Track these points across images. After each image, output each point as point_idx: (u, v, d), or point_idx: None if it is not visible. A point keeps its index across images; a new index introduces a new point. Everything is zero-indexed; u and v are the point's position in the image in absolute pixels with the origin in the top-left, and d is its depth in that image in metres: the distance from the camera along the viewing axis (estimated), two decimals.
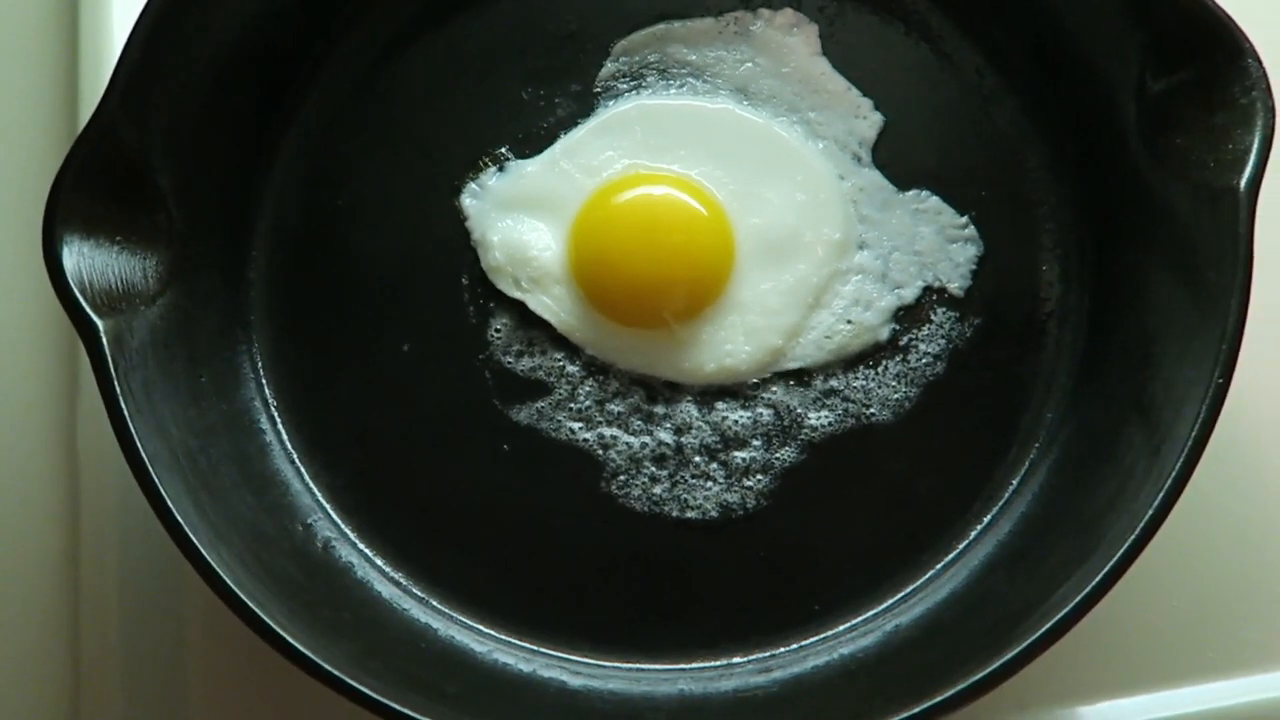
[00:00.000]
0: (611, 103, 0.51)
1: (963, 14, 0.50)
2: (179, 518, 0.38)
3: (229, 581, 0.38)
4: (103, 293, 0.41)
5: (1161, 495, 0.38)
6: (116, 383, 0.39)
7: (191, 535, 0.38)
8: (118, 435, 0.39)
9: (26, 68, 0.52)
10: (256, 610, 0.37)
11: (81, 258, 0.41)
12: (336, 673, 0.37)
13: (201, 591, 0.38)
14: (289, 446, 0.48)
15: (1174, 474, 0.38)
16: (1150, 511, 0.38)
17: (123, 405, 0.39)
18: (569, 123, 0.50)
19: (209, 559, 0.38)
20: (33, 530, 0.48)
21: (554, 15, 0.51)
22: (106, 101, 0.41)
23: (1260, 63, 0.41)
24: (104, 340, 0.39)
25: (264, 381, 0.49)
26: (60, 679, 0.47)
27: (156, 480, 0.38)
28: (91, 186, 0.41)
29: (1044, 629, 0.37)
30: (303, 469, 0.48)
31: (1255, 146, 0.40)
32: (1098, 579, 0.38)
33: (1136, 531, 0.37)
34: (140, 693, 0.47)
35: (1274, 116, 0.40)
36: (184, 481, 0.40)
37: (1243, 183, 0.40)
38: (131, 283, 0.43)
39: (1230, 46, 0.41)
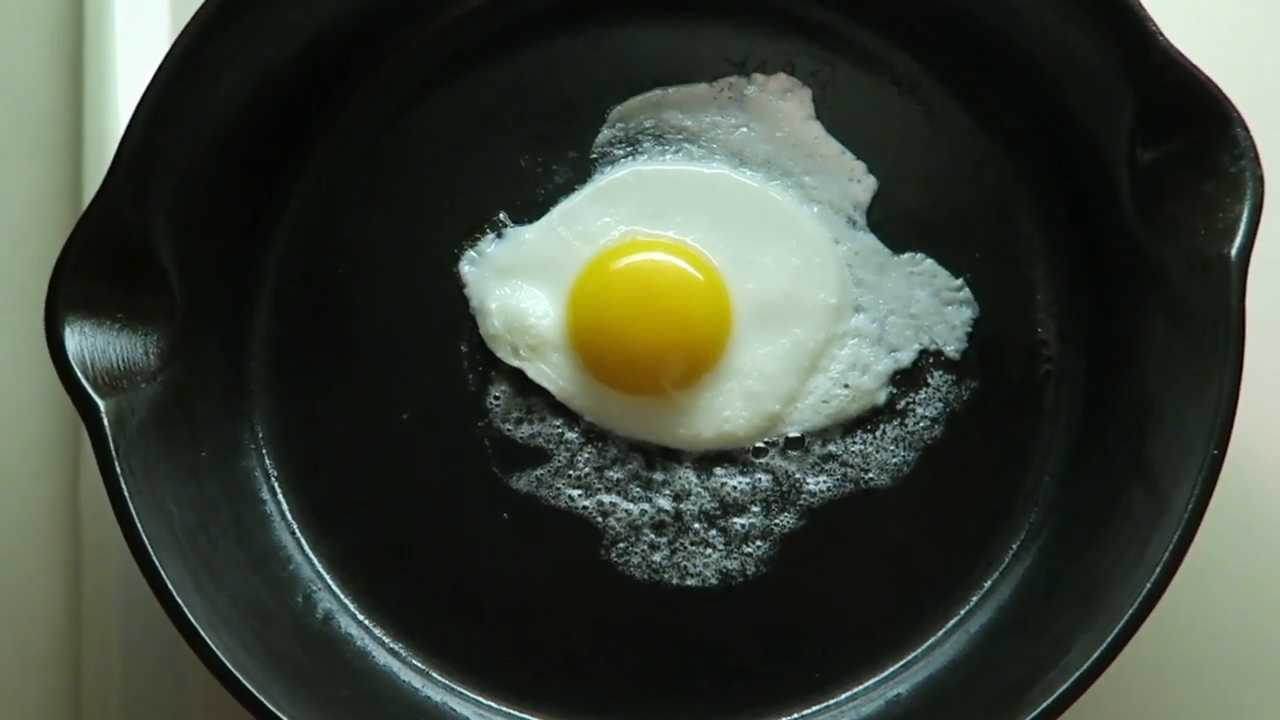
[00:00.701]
0: (608, 169, 0.51)
1: (955, 78, 0.51)
2: (179, 600, 0.38)
3: (229, 665, 0.38)
4: (104, 372, 0.41)
5: (1160, 567, 0.38)
6: (117, 463, 0.40)
7: (191, 618, 0.38)
8: (118, 517, 0.39)
9: (31, 148, 0.53)
10: (256, 694, 0.37)
11: (83, 338, 0.41)
12: None
13: (202, 673, 0.39)
14: (289, 517, 0.48)
15: (1172, 545, 0.38)
16: (1150, 583, 0.38)
17: (123, 486, 0.39)
18: (566, 189, 0.51)
19: (209, 642, 0.38)
20: (35, 608, 0.48)
21: (551, 82, 0.51)
22: (109, 183, 0.42)
23: (1248, 132, 0.41)
24: (105, 421, 0.40)
25: (264, 452, 0.49)
26: None
27: (157, 562, 0.39)
28: (93, 267, 0.42)
29: (1047, 702, 0.37)
30: (303, 539, 0.48)
31: (1245, 215, 0.40)
32: (1100, 651, 0.38)
33: (1137, 603, 0.37)
34: None
35: (1262, 185, 0.41)
36: (184, 561, 0.40)
37: (1234, 251, 0.40)
38: (133, 360, 0.43)
39: (1219, 116, 0.41)
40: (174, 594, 0.38)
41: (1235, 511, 0.47)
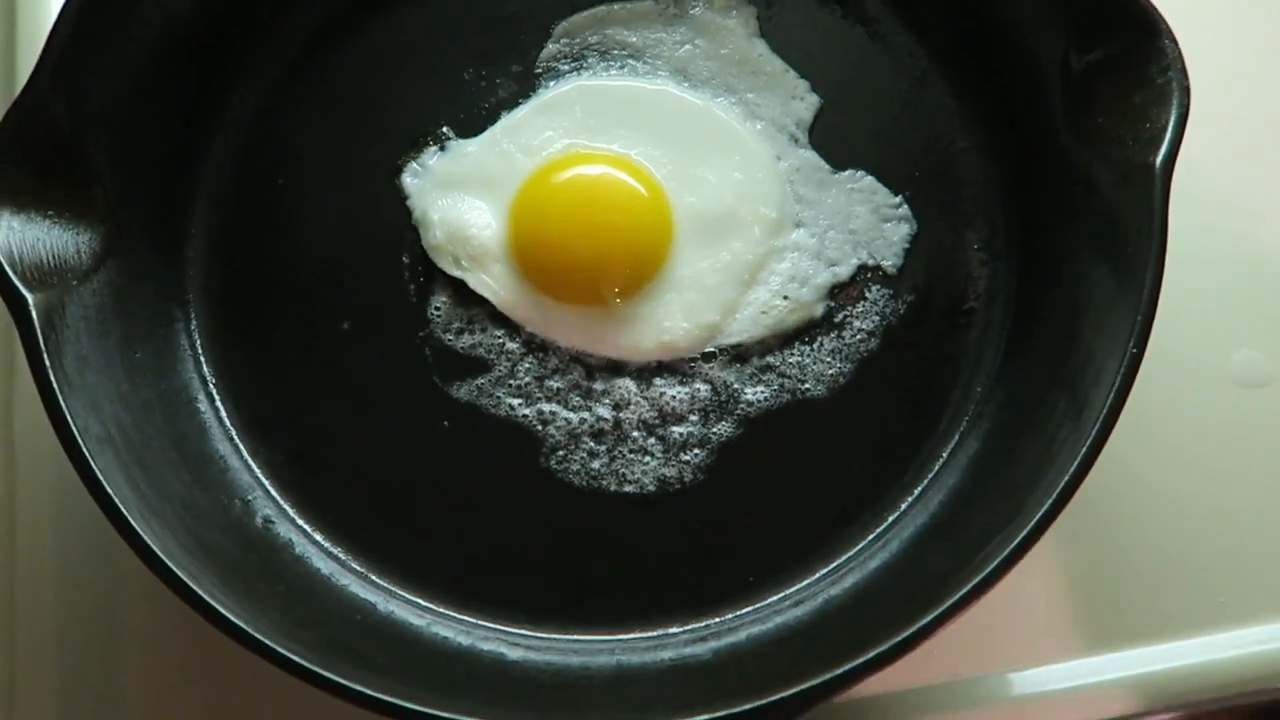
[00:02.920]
0: (552, 83, 0.51)
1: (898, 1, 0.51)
2: (109, 490, 0.38)
3: (160, 553, 0.38)
4: (33, 267, 0.41)
5: (1079, 459, 0.39)
6: (46, 357, 0.39)
7: (122, 508, 0.38)
8: (47, 409, 0.39)
9: None
10: (187, 581, 0.37)
11: (12, 231, 0.40)
12: (267, 641, 0.37)
13: (136, 566, 0.38)
14: (227, 424, 0.48)
15: (1091, 438, 0.39)
16: (1068, 475, 0.39)
17: (52, 379, 0.39)
18: (510, 103, 0.51)
19: (140, 531, 0.38)
20: None
21: None
22: (36, 77, 0.41)
23: (1175, 43, 0.42)
24: (34, 314, 0.39)
25: (202, 359, 0.49)
26: None
27: (87, 453, 0.38)
28: (22, 161, 0.41)
29: (961, 592, 0.38)
30: (241, 446, 0.48)
31: (1171, 124, 0.41)
32: (1015, 542, 0.39)
33: (1054, 495, 0.38)
34: (76, 666, 0.47)
35: (1188, 95, 0.42)
36: (116, 456, 0.40)
37: (1158, 160, 0.41)
38: (64, 258, 0.42)
39: (1147, 26, 0.42)
40: (103, 483, 0.38)
41: (1148, 423, 0.48)
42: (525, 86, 0.51)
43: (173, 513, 0.41)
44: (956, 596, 0.37)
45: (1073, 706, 0.50)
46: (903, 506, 0.47)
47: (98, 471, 0.38)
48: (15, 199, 0.41)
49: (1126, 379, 0.39)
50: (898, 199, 0.50)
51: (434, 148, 0.51)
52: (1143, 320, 0.39)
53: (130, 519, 0.38)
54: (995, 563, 0.38)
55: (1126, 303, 0.40)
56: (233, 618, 0.37)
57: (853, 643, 0.40)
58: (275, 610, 0.40)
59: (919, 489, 0.47)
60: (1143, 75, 0.42)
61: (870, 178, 0.50)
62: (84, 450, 0.38)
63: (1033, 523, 0.39)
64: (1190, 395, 0.50)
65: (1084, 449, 0.39)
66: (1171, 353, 0.48)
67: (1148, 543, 0.49)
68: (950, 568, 0.40)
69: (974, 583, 0.38)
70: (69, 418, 0.39)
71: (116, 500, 0.38)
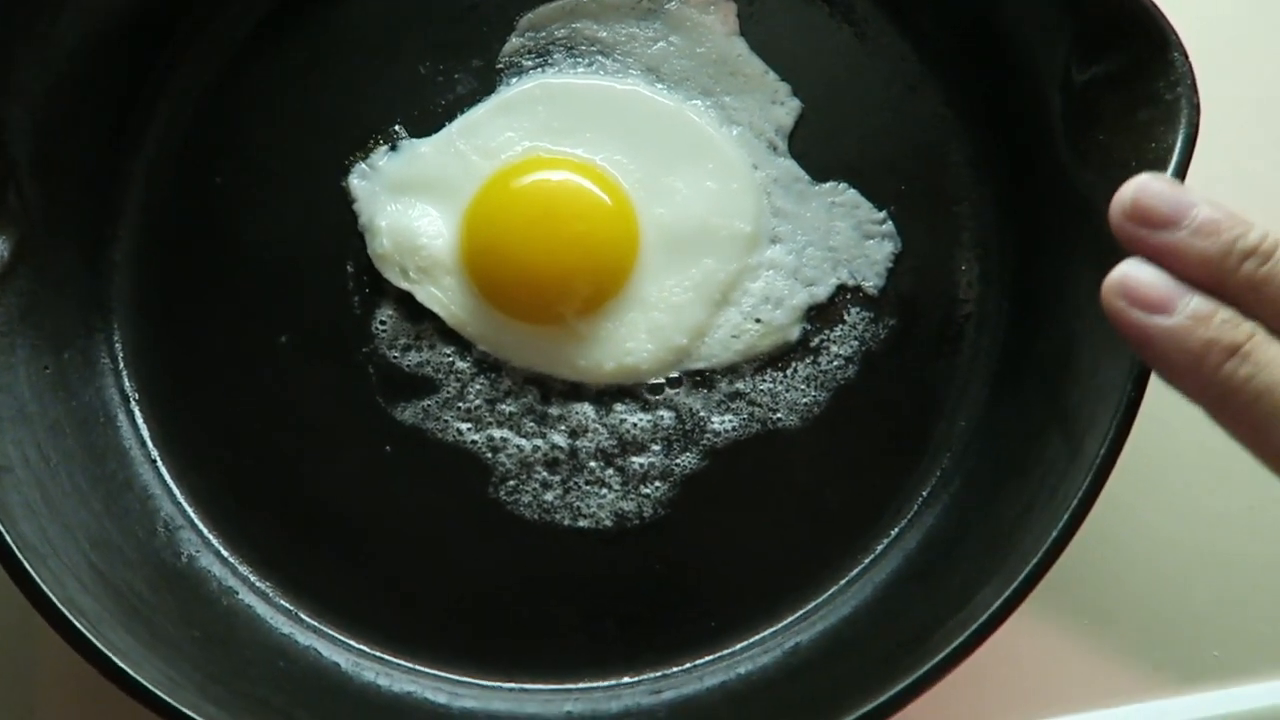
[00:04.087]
0: (514, 80, 0.48)
1: (889, 2, 0.48)
2: (1, 527, 0.34)
3: (52, 597, 0.34)
4: None
5: (1071, 510, 0.36)
6: None
7: (14, 547, 0.35)
8: None
9: None
10: (81, 629, 0.34)
11: None
12: (171, 701, 0.33)
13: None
14: (149, 445, 0.44)
15: (1084, 488, 0.36)
16: (1059, 527, 0.35)
17: None
18: (468, 100, 0.47)
19: (31, 571, 0.34)
20: None
21: None
22: None
23: (1186, 57, 0.39)
24: None
25: (124, 373, 0.45)
26: None
27: None
28: None
29: (947, 650, 0.35)
30: (163, 470, 0.44)
31: (1179, 144, 0.38)
32: (1004, 597, 0.36)
33: (1046, 545, 0.35)
34: None
35: (1198, 114, 0.38)
36: (15, 487, 0.37)
37: None
38: None
39: (1156, 38, 0.39)
40: None
41: (1148, 460, 0.45)
42: (486, 83, 0.48)
43: (76, 550, 0.38)
44: (941, 656, 0.34)
45: None
46: (878, 548, 0.44)
47: None
48: None
49: (1123, 424, 0.36)
50: (882, 214, 0.47)
51: (385, 147, 0.47)
52: (1142, 362, 0.36)
53: (23, 559, 0.34)
54: (984, 617, 0.35)
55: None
56: (133, 673, 0.34)
57: (823, 700, 0.37)
58: (186, 661, 0.37)
59: (897, 529, 0.44)
60: (1149, 91, 0.39)
61: (853, 191, 0.47)
62: None
63: (1022, 576, 0.36)
64: (1190, 433, 0.47)
65: (1076, 499, 0.36)
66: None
67: (1140, 590, 0.46)
68: (931, 621, 0.37)
69: (961, 639, 0.35)
70: None
71: (7, 537, 0.34)
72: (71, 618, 0.34)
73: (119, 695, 0.34)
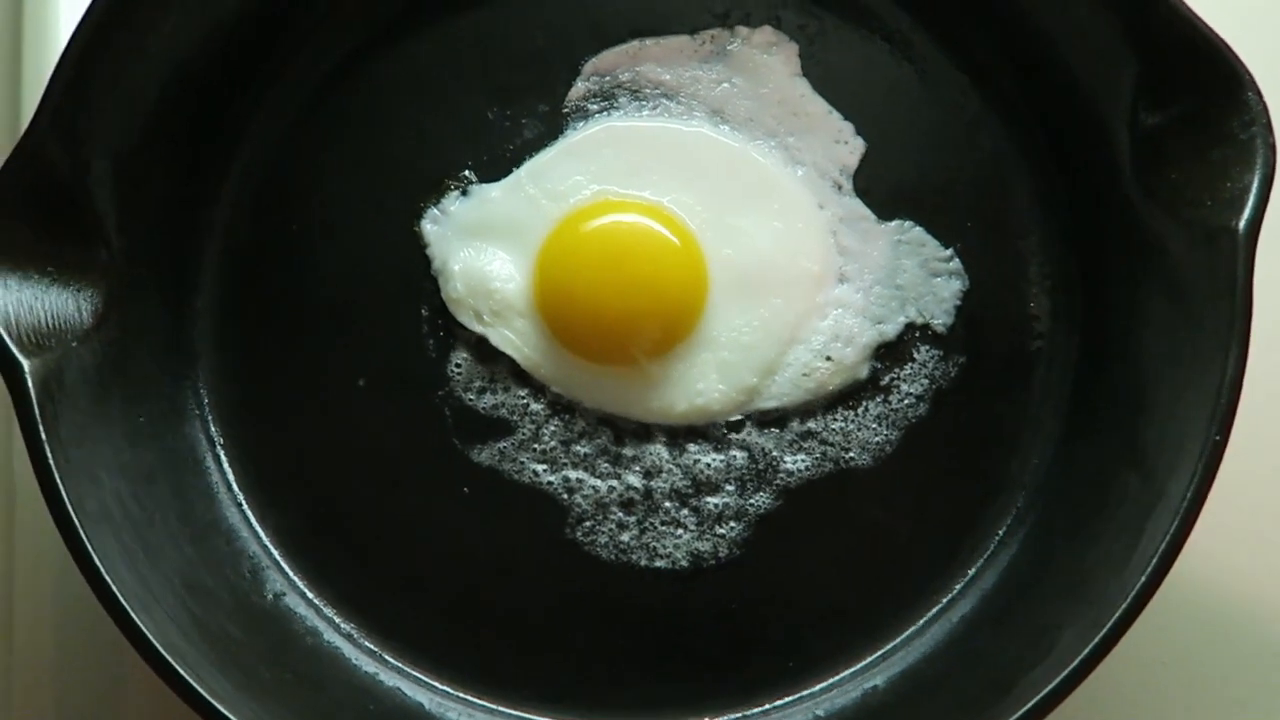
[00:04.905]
0: (581, 124, 0.48)
1: (949, 35, 0.48)
2: (106, 576, 0.36)
3: (159, 645, 0.35)
4: (30, 329, 0.38)
5: (1155, 560, 0.36)
6: (42, 428, 0.37)
7: (120, 595, 0.36)
8: (43, 487, 0.36)
9: None
10: (187, 677, 0.35)
11: (8, 292, 0.38)
12: None
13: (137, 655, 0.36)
14: (235, 488, 0.45)
15: (1168, 538, 0.36)
16: (1143, 578, 0.35)
17: (49, 455, 0.36)
18: (536, 145, 0.48)
19: (138, 621, 0.35)
20: None
21: (521, 31, 0.48)
22: (37, 124, 0.39)
23: (1261, 96, 0.39)
24: (29, 382, 0.37)
25: (209, 418, 0.46)
26: None
27: (84, 535, 0.36)
28: (22, 215, 0.39)
29: (1034, 700, 0.35)
30: (249, 512, 0.45)
31: (1255, 185, 0.38)
32: (1090, 648, 0.36)
33: (1129, 599, 0.35)
34: None
35: (1275, 154, 0.38)
36: (114, 534, 0.38)
37: (1241, 224, 0.38)
38: (64, 317, 0.40)
39: (1230, 79, 0.39)
40: (100, 569, 0.36)
41: (1236, 502, 0.45)
42: (552, 127, 0.48)
43: (174, 596, 0.38)
44: (1029, 705, 0.34)
45: None
46: (955, 589, 0.44)
47: (94, 555, 0.36)
48: (12, 257, 0.38)
49: (1208, 470, 0.36)
50: (948, 252, 0.47)
51: (455, 192, 0.48)
52: (1225, 404, 0.36)
53: (129, 608, 0.35)
54: (1069, 669, 0.35)
55: (1207, 383, 0.37)
56: (233, 715, 0.34)
57: None
58: (279, 704, 0.38)
59: (973, 569, 0.44)
60: (1223, 131, 0.39)
61: (919, 229, 0.47)
62: (81, 532, 0.36)
63: (1107, 626, 0.36)
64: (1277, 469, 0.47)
65: (1163, 544, 0.36)
66: (1259, 425, 0.44)
67: (1222, 635, 0.46)
68: (1012, 668, 0.37)
69: (1047, 690, 0.35)
70: (65, 496, 0.36)
71: (114, 588, 0.36)
72: (175, 664, 0.35)
73: None
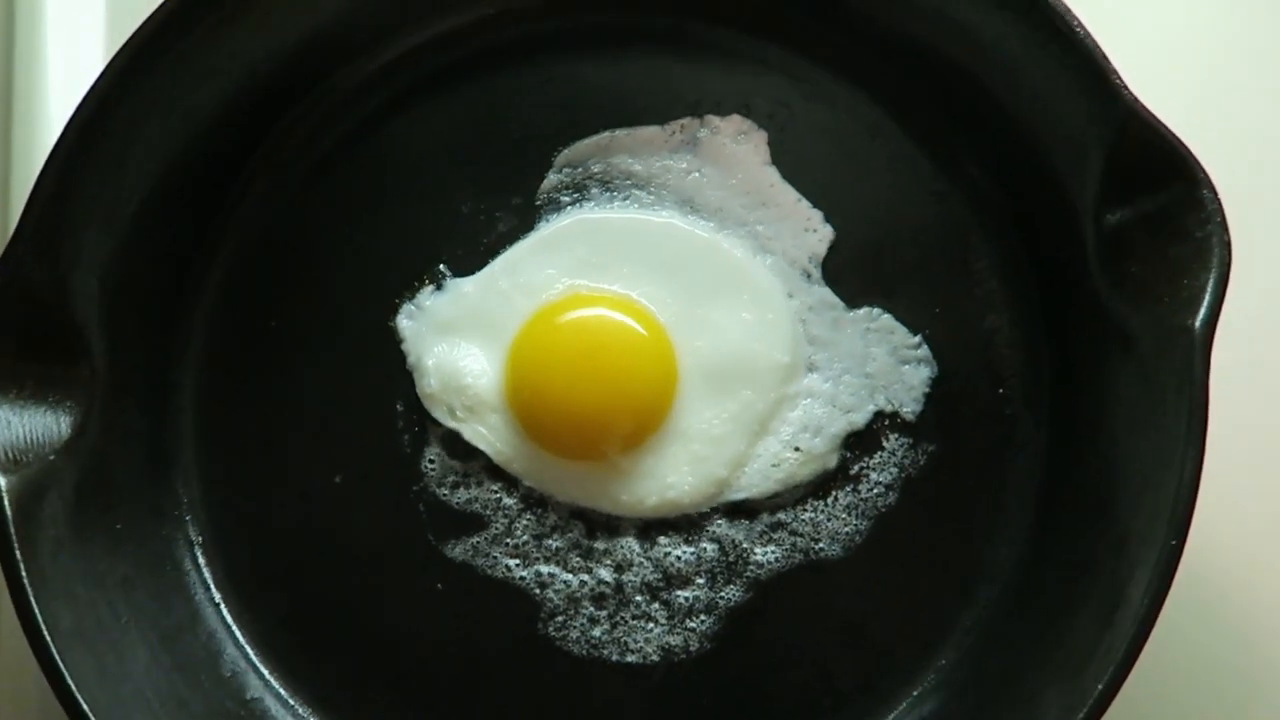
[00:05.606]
0: (553, 216, 0.49)
1: (918, 123, 0.48)
2: (79, 697, 0.36)
3: None
4: (8, 447, 0.39)
5: (1113, 670, 0.36)
6: (18, 549, 0.38)
7: (91, 715, 0.36)
8: (17, 609, 0.37)
9: None
10: None
11: None
12: None
13: None
14: (212, 588, 0.46)
15: (1126, 644, 0.36)
16: (1100, 688, 0.35)
17: (24, 577, 0.37)
18: (510, 237, 0.49)
19: None
20: None
21: (496, 124, 0.49)
22: (14, 247, 0.40)
23: (1216, 195, 0.39)
24: (5, 502, 0.38)
25: (187, 519, 0.47)
26: None
27: (57, 657, 0.37)
28: (0, 337, 0.40)
29: None
30: (225, 613, 0.46)
31: (1211, 284, 0.38)
32: None
33: (1085, 710, 0.35)
34: None
35: (1229, 252, 0.38)
36: (89, 650, 0.39)
37: (1198, 323, 0.38)
38: (41, 431, 0.41)
39: (1186, 176, 0.39)
40: (74, 690, 0.36)
41: (1198, 595, 0.45)
42: (525, 220, 0.49)
43: (147, 710, 0.39)
44: None
45: None
46: (927, 681, 0.44)
47: (66, 675, 0.37)
48: None
49: (1164, 577, 0.36)
50: (917, 339, 0.47)
51: (430, 286, 0.49)
52: (1182, 511, 0.36)
53: None
54: None
55: (1165, 486, 0.37)
56: None
57: None
58: None
59: (945, 661, 0.44)
60: (1180, 228, 0.39)
61: (888, 316, 0.48)
62: (54, 654, 0.37)
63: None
64: (1241, 559, 0.46)
65: (1121, 653, 0.36)
66: (1219, 509, 0.44)
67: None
68: None
69: None
70: (39, 617, 0.37)
71: (86, 709, 0.36)
72: None
73: None
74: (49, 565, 0.39)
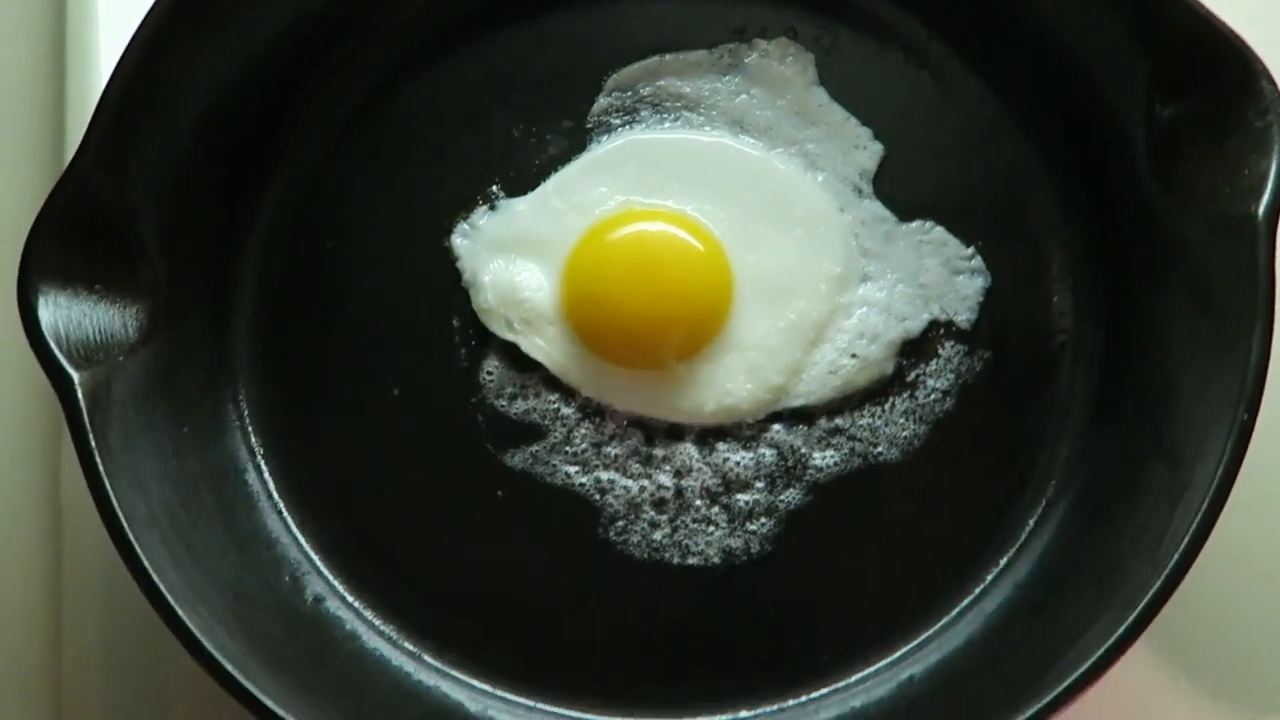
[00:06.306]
0: (604, 138, 0.50)
1: (962, 42, 0.49)
2: (155, 577, 0.37)
3: (206, 644, 0.36)
4: (80, 344, 0.40)
5: (1185, 544, 0.36)
6: (92, 437, 0.38)
7: (168, 595, 0.36)
8: (93, 492, 0.37)
9: (11, 110, 0.51)
10: (236, 674, 0.36)
11: (58, 309, 0.39)
12: None
13: (185, 656, 0.37)
14: (275, 498, 0.46)
15: (1197, 521, 0.36)
16: (1173, 563, 0.36)
17: (98, 461, 0.38)
18: (561, 159, 0.49)
19: (185, 620, 0.36)
20: (14, 583, 0.47)
21: (545, 52, 0.50)
22: (82, 154, 0.41)
23: (1275, 85, 0.39)
24: (79, 393, 0.38)
25: (249, 431, 0.47)
26: None
27: (132, 538, 0.37)
28: (68, 239, 0.40)
29: (1061, 687, 0.35)
30: (290, 521, 0.46)
31: (1273, 171, 0.39)
32: (1118, 634, 0.36)
33: (1158, 584, 0.36)
34: None
35: None
36: (162, 539, 0.39)
37: (1261, 209, 0.38)
38: (110, 334, 0.41)
39: (1242, 70, 0.40)
40: (149, 570, 0.37)
41: (1265, 484, 0.45)
42: (576, 142, 0.50)
43: (220, 598, 0.39)
44: (1055, 693, 0.35)
45: None
46: (988, 578, 0.44)
47: (143, 558, 0.37)
48: (61, 276, 0.40)
49: (1236, 452, 0.36)
50: (970, 250, 0.48)
51: (484, 207, 0.49)
52: (1251, 386, 0.37)
53: (177, 608, 0.36)
54: (1097, 655, 0.35)
55: (1232, 368, 0.37)
56: (283, 713, 0.35)
57: None
58: (328, 701, 0.38)
59: (1005, 559, 0.45)
60: (1238, 121, 0.40)
61: (940, 228, 0.48)
62: (129, 536, 0.37)
63: (1136, 612, 0.36)
64: None
65: (1191, 531, 0.36)
66: None
67: (1259, 618, 0.46)
68: (1046, 655, 0.38)
69: (1075, 676, 0.35)
70: (114, 502, 0.37)
71: (162, 588, 0.36)
72: (225, 663, 0.36)
73: None
74: (120, 456, 0.39)
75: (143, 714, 0.45)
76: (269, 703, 0.35)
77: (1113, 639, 0.36)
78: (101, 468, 0.38)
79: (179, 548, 0.39)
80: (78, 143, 0.41)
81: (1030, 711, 0.36)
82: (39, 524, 0.47)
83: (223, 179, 0.48)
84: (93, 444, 0.38)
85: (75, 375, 0.38)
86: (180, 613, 0.36)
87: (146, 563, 0.37)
